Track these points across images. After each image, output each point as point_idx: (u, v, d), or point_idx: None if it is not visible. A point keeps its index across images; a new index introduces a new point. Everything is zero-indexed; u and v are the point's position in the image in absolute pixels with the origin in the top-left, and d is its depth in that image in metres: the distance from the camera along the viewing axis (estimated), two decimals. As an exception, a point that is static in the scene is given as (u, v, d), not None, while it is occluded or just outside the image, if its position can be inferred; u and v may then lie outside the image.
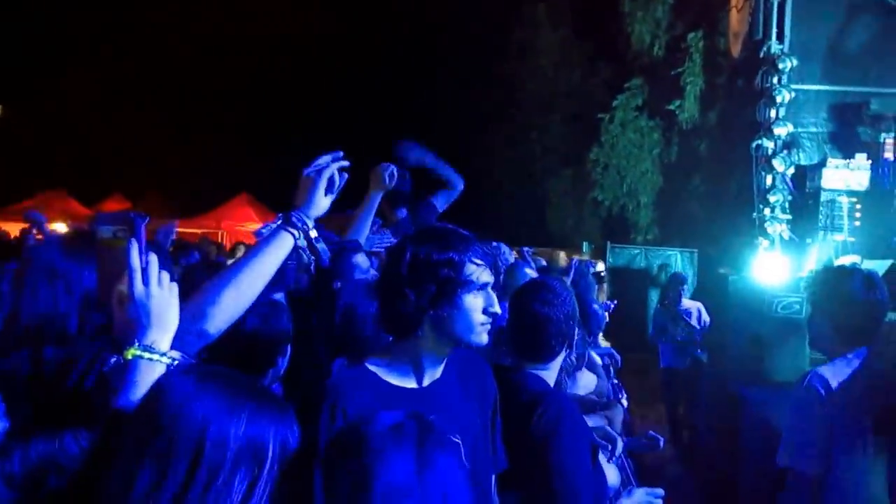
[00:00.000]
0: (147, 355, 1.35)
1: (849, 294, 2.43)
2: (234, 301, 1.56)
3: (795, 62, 6.35)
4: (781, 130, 6.34)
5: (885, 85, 6.31)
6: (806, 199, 6.28)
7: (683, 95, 12.23)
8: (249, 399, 1.13)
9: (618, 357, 5.09)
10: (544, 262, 7.53)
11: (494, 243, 4.75)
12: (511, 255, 5.19)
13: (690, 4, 12.25)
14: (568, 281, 4.25)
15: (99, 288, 1.55)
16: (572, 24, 15.92)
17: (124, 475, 1.09)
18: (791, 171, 6.38)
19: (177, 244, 6.86)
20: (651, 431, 2.95)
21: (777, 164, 6.32)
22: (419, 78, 20.07)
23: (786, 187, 6.36)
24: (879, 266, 5.11)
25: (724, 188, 8.29)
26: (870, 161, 6.06)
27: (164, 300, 1.40)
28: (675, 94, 12.36)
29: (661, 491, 1.96)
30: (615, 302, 6.70)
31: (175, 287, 1.43)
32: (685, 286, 7.46)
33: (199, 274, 2.80)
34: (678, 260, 12.35)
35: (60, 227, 13.68)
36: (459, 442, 1.25)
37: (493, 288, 1.66)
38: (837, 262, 5.49)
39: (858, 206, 5.96)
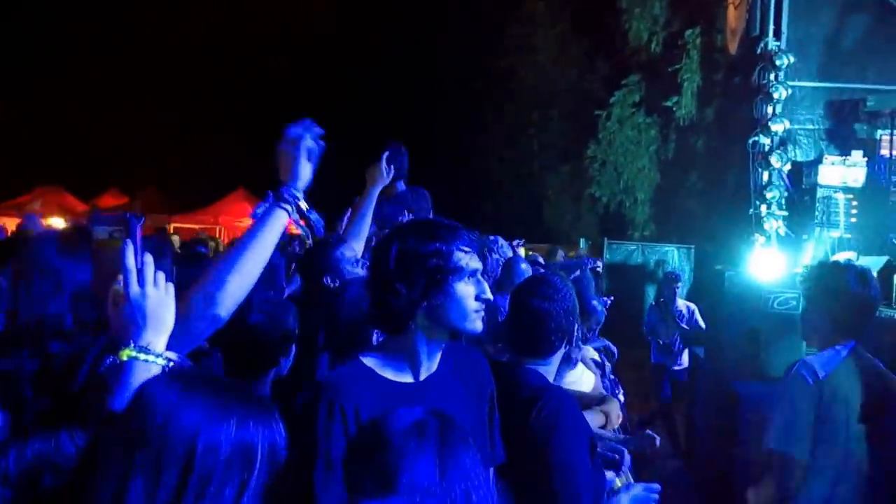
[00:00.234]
0: (142, 357, 1.35)
1: (843, 288, 2.48)
2: (239, 283, 1.58)
3: (792, 59, 6.37)
4: (778, 127, 6.35)
5: (882, 82, 6.33)
6: (802, 196, 6.30)
7: (681, 92, 12.24)
8: (236, 405, 1.13)
9: (613, 349, 5.10)
10: (541, 259, 7.55)
11: (492, 237, 4.76)
12: (509, 250, 5.18)
13: (688, 1, 12.25)
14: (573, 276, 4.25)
15: (95, 287, 1.56)
16: (570, 20, 15.90)
17: (115, 486, 1.08)
18: (787, 167, 6.40)
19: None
20: (648, 430, 2.96)
21: (774, 160, 6.33)
22: (417, 75, 20.04)
23: (782, 184, 6.37)
24: (875, 262, 5.13)
25: (721, 184, 8.32)
26: (866, 158, 6.08)
27: (159, 301, 1.39)
28: (673, 91, 12.37)
29: (657, 486, 1.97)
30: (612, 298, 6.70)
31: (171, 287, 1.43)
32: (679, 284, 7.48)
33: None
34: (675, 256, 12.37)
35: (58, 223, 13.68)
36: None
37: (482, 275, 1.67)
38: (833, 259, 5.50)
39: (854, 203, 5.98)
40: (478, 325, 1.65)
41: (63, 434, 1.42)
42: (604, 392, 3.63)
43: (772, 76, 6.37)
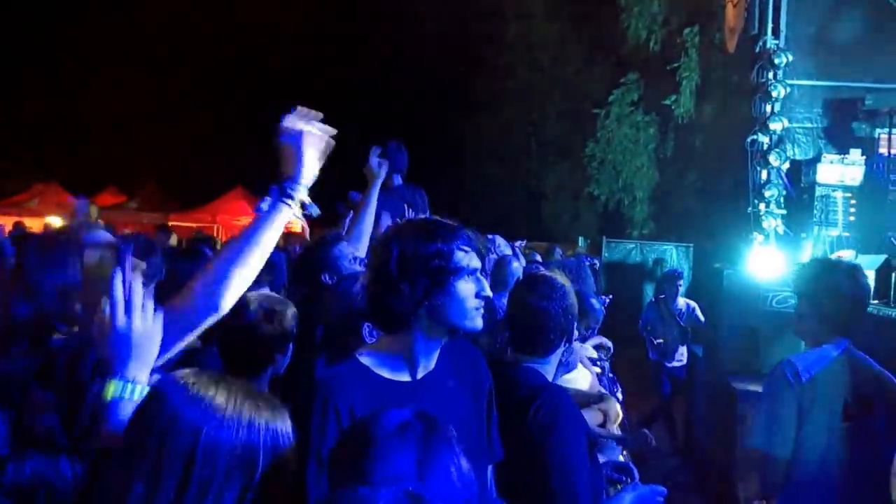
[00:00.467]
0: (127, 393, 1.33)
1: (834, 285, 2.49)
2: (241, 277, 1.58)
3: (791, 57, 6.36)
4: (777, 125, 6.35)
5: (880, 80, 6.33)
6: (801, 194, 6.31)
7: (679, 90, 12.24)
8: (241, 406, 1.12)
9: (609, 344, 5.08)
10: (539, 258, 7.54)
11: (490, 236, 4.76)
12: (508, 249, 5.18)
13: (686, -1, 12.26)
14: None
15: (83, 309, 1.56)
16: (568, 18, 15.90)
17: (116, 488, 1.08)
18: (786, 166, 6.40)
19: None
20: (644, 430, 2.96)
21: (772, 159, 6.33)
22: (416, 74, 20.02)
23: (781, 182, 6.37)
24: (873, 261, 5.13)
25: (720, 183, 8.32)
26: (864, 156, 6.08)
27: (145, 333, 1.37)
28: (671, 89, 12.38)
29: (664, 489, 1.98)
30: (611, 296, 6.71)
31: (160, 318, 1.41)
32: (681, 282, 7.49)
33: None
34: (673, 254, 12.38)
35: (55, 221, 13.66)
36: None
37: (481, 273, 1.67)
38: (825, 256, 5.51)
39: (853, 202, 5.98)
40: (478, 322, 1.65)
41: (63, 458, 1.42)
42: (603, 391, 3.63)
43: (770, 75, 6.36)
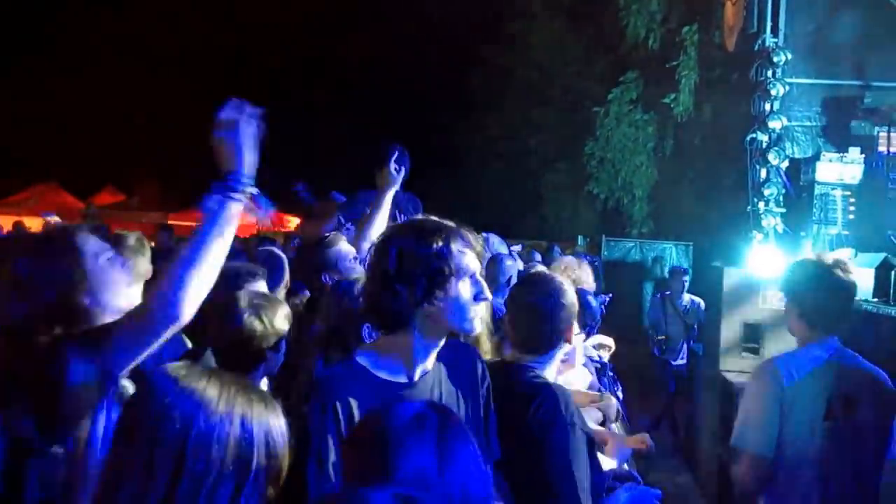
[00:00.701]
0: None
1: (813, 283, 2.49)
2: (198, 282, 1.55)
3: (790, 56, 6.36)
4: (776, 124, 6.35)
5: (879, 78, 6.33)
6: (800, 193, 6.31)
7: (678, 89, 12.23)
8: (233, 399, 1.11)
9: (610, 343, 5.06)
10: (538, 257, 7.54)
11: (484, 234, 4.75)
12: (502, 247, 5.17)
13: (685, -3, 12.25)
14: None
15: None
16: (567, 17, 15.88)
17: (108, 483, 1.07)
18: (785, 164, 6.40)
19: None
20: (646, 433, 2.95)
21: (771, 157, 6.33)
22: (414, 72, 20.01)
23: (780, 181, 6.37)
24: (873, 259, 5.14)
25: (719, 181, 8.31)
26: (863, 154, 6.09)
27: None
28: (670, 88, 12.36)
29: (659, 492, 1.98)
30: (610, 295, 6.71)
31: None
32: (686, 278, 7.50)
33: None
34: (673, 253, 12.38)
35: (54, 219, 13.61)
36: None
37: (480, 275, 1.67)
38: (816, 254, 5.51)
39: (852, 200, 5.98)
40: (476, 324, 1.65)
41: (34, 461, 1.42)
42: (603, 389, 3.62)
43: (769, 73, 6.36)
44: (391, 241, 1.62)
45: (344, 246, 2.85)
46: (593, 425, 2.78)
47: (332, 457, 1.51)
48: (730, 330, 5.46)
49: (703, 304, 7.16)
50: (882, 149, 6.04)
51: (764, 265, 5.71)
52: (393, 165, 3.15)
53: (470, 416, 1.72)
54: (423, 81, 19.83)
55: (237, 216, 1.64)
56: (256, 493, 1.09)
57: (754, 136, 6.41)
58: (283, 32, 21.01)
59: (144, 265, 2.81)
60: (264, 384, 2.22)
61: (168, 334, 1.54)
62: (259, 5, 20.83)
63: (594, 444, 2.00)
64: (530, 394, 1.92)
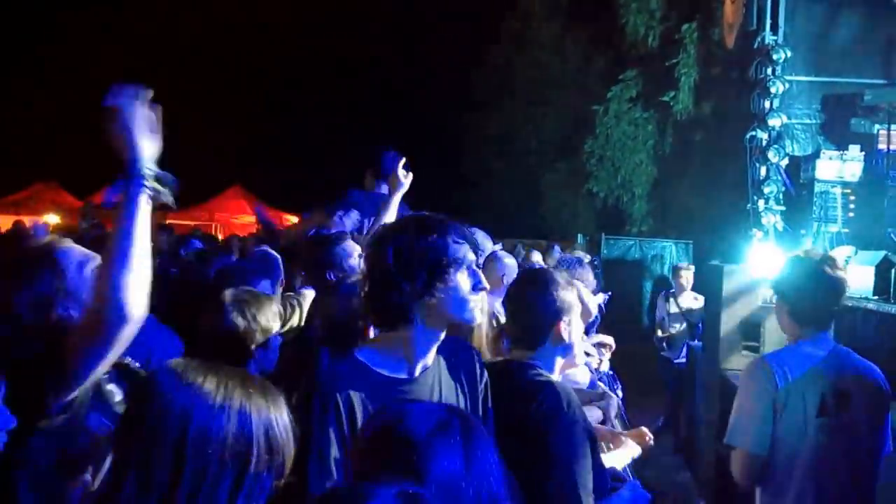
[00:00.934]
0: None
1: (801, 279, 2.51)
2: (137, 279, 1.51)
3: (789, 53, 6.35)
4: (775, 121, 6.34)
5: (879, 76, 6.32)
6: (800, 191, 6.30)
7: (678, 87, 12.23)
8: (232, 392, 1.11)
9: (610, 341, 5.06)
10: (538, 256, 7.53)
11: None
12: (488, 241, 5.16)
13: (685, -5, 12.24)
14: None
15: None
16: (566, 15, 15.87)
17: (111, 480, 1.07)
18: (785, 162, 6.39)
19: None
20: (643, 427, 2.95)
21: (771, 155, 6.32)
22: (414, 71, 20.00)
23: (780, 178, 6.37)
24: (873, 257, 5.13)
25: (719, 179, 8.31)
26: (863, 152, 6.08)
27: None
28: (670, 86, 12.36)
29: (649, 495, 1.99)
30: (610, 293, 6.71)
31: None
32: (689, 277, 7.50)
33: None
34: (673, 251, 12.38)
35: (53, 219, 13.64)
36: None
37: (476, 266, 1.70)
38: (830, 253, 5.51)
39: (852, 198, 5.98)
40: (476, 315, 1.67)
41: None
42: (604, 388, 3.62)
43: (769, 70, 6.35)
44: (387, 238, 1.63)
45: (349, 244, 2.89)
46: (594, 424, 2.78)
47: (334, 454, 1.52)
48: (729, 328, 5.46)
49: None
50: (882, 146, 6.03)
51: (764, 263, 5.70)
52: (401, 171, 3.39)
53: (468, 411, 1.72)
54: (422, 80, 19.83)
55: (150, 206, 1.59)
56: (258, 485, 1.09)
57: (754, 133, 6.41)
58: (282, 33, 21.00)
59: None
60: None
61: (125, 337, 1.49)
62: (258, 6, 20.81)
63: (597, 443, 2.00)
64: (533, 391, 1.92)
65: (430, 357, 1.69)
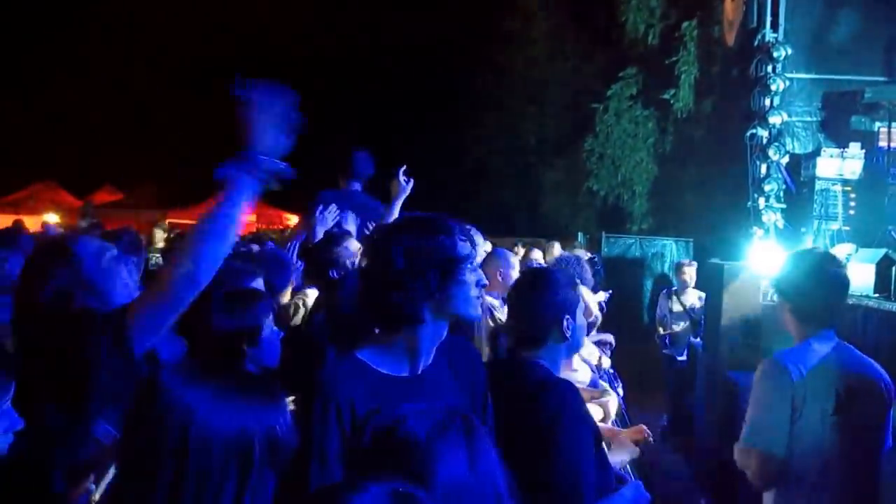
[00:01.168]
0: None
1: (804, 276, 2.48)
2: (218, 254, 1.63)
3: (790, 51, 6.34)
4: (776, 119, 6.33)
5: (879, 73, 6.31)
6: (800, 188, 6.29)
7: (678, 84, 12.21)
8: (231, 391, 1.11)
9: (610, 340, 5.06)
10: (538, 255, 7.52)
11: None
12: (481, 238, 5.16)
13: (685, -7, 12.22)
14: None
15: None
16: (566, 13, 15.85)
17: (116, 486, 1.08)
18: (785, 160, 6.38)
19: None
20: (643, 425, 2.94)
21: (771, 153, 6.32)
22: (413, 69, 19.98)
23: (780, 176, 6.36)
24: (874, 255, 5.13)
25: (719, 177, 8.30)
26: (863, 150, 6.07)
27: None
28: (670, 84, 12.35)
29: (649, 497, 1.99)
30: (610, 291, 6.71)
31: None
32: (692, 271, 7.49)
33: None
34: (673, 249, 12.36)
35: (52, 218, 13.63)
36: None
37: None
38: (831, 251, 5.51)
39: (853, 195, 5.98)
40: (478, 311, 1.70)
41: None
42: (606, 386, 3.63)
43: (769, 68, 6.34)
44: (393, 239, 1.62)
45: (352, 244, 2.91)
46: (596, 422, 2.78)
47: (335, 453, 1.52)
48: (730, 325, 5.46)
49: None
50: (882, 144, 6.02)
51: (764, 261, 5.71)
52: (402, 177, 3.58)
53: (469, 408, 1.72)
54: (422, 79, 19.81)
55: (250, 193, 1.68)
56: (262, 483, 1.09)
57: (754, 131, 6.40)
58: (281, 33, 20.98)
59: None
60: None
61: (188, 300, 1.61)
62: (260, 7, 20.80)
63: (601, 440, 2.00)
64: (538, 389, 1.92)
65: (432, 355, 1.70)
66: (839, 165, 6.04)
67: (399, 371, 1.66)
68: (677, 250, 12.22)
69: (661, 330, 7.28)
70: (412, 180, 3.64)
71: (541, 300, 2.03)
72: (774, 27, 6.48)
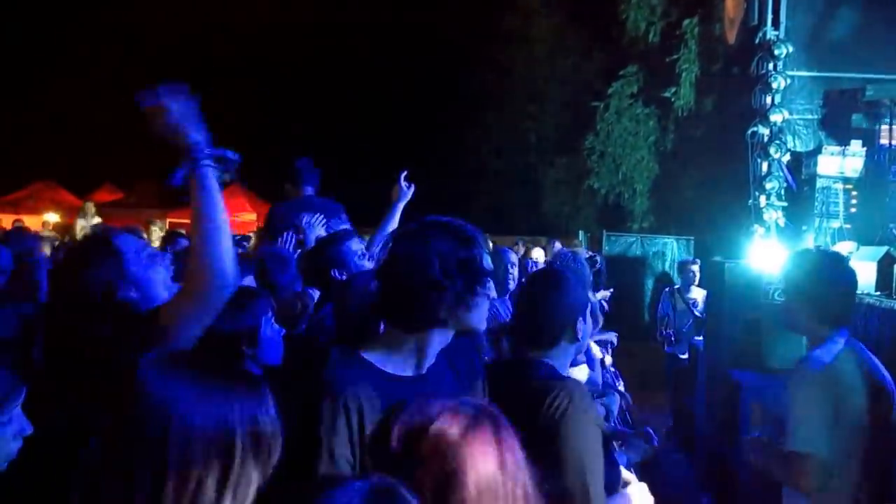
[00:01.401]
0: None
1: (824, 275, 2.45)
2: (229, 248, 1.69)
3: (791, 48, 6.32)
4: (777, 117, 6.31)
5: (881, 71, 6.29)
6: (801, 186, 6.28)
7: (679, 82, 12.21)
8: (212, 385, 1.10)
9: (613, 339, 5.06)
10: (538, 254, 7.53)
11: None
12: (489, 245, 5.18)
13: (685, -9, 12.22)
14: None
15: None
16: (566, 11, 15.84)
17: (100, 479, 1.05)
18: (787, 158, 6.37)
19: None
20: (647, 427, 2.94)
21: (772, 150, 6.30)
22: (413, 68, 19.97)
23: (781, 174, 6.35)
24: (875, 252, 5.12)
25: (720, 175, 8.29)
26: (865, 148, 6.06)
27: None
28: (671, 82, 12.34)
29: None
30: (612, 290, 6.70)
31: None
32: (696, 268, 7.49)
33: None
34: (674, 248, 12.36)
35: (52, 218, 13.63)
36: None
37: None
38: (833, 249, 5.50)
39: (854, 193, 5.96)
40: (484, 323, 1.72)
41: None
42: (611, 385, 3.63)
43: (770, 66, 6.33)
44: (429, 245, 1.62)
45: (354, 243, 2.92)
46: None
47: (345, 454, 1.52)
48: (731, 324, 5.45)
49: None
50: (884, 142, 6.00)
51: (765, 259, 5.70)
52: (403, 183, 3.65)
53: None
54: (422, 77, 19.80)
55: (213, 179, 1.74)
56: (244, 478, 1.08)
57: (755, 129, 6.38)
58: (280, 33, 20.97)
59: None
60: None
61: (223, 301, 1.67)
62: (260, 7, 20.79)
63: (609, 440, 1.99)
64: (546, 389, 1.91)
65: (435, 356, 1.71)
66: (840, 163, 6.03)
67: (403, 371, 1.67)
68: (678, 248, 12.22)
69: (663, 328, 7.28)
70: (413, 185, 3.68)
71: (558, 302, 2.03)
72: (775, 25, 6.46)
